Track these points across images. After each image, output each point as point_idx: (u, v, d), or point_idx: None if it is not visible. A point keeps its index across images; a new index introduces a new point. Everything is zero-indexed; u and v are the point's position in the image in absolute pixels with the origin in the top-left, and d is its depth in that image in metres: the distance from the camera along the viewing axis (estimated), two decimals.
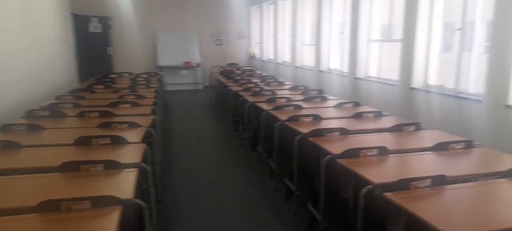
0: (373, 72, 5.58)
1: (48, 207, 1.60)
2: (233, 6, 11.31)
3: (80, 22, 9.26)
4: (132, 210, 1.84)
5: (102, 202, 1.66)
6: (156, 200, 3.33)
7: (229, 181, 3.93)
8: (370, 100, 5.15)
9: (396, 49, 4.81)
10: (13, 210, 1.61)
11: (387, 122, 3.34)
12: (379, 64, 5.50)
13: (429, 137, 2.88)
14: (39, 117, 3.47)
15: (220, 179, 4.01)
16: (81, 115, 3.56)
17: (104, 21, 9.85)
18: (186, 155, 4.86)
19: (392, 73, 5.03)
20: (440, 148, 2.54)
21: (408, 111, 4.44)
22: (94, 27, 9.73)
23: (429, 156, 2.47)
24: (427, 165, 2.34)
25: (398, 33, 4.77)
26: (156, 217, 2.94)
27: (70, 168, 2.09)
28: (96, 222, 1.56)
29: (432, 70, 4.41)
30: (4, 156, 2.35)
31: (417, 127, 3.10)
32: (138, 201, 1.81)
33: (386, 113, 3.68)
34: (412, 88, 4.41)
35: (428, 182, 1.93)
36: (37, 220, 1.55)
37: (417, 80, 4.41)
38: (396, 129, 3.05)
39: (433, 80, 4.41)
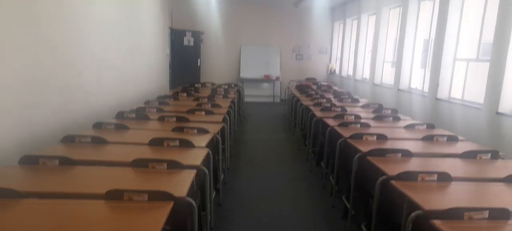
0: (456, 94, 5.14)
1: (113, 195, 1.86)
2: (316, 22, 11.38)
3: (176, 36, 10.22)
4: (185, 207, 2.03)
5: (157, 196, 1.88)
6: (217, 203, 3.56)
7: (290, 193, 3.99)
8: (452, 124, 4.77)
9: (484, 69, 4.39)
10: (86, 195, 1.92)
11: (461, 147, 3.09)
12: (464, 85, 5.06)
13: (506, 167, 2.60)
14: (127, 118, 3.94)
15: (281, 190, 4.08)
16: (161, 119, 3.94)
17: (196, 35, 10.70)
18: (253, 163, 5.04)
19: (478, 95, 4.58)
20: None
21: (493, 138, 4.01)
22: (188, 40, 10.61)
23: (499, 187, 2.25)
24: (494, 196, 2.13)
25: (488, 52, 4.36)
26: (213, 218, 3.14)
27: (140, 164, 2.38)
28: (149, 213, 1.76)
29: None
30: (92, 149, 2.76)
31: (494, 155, 2.82)
32: (189, 199, 1.99)
33: (462, 138, 3.39)
34: (499, 113, 3.98)
35: (485, 214, 1.78)
36: (103, 205, 1.82)
37: (506, 105, 3.96)
38: (469, 155, 2.82)
39: None
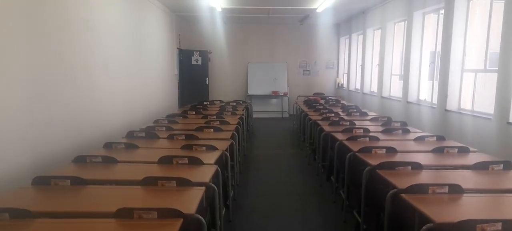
0: (466, 105, 5.10)
1: (123, 214, 1.88)
2: (322, 37, 11.46)
3: (184, 56, 10.39)
4: (195, 224, 2.04)
5: (166, 214, 1.89)
6: (227, 219, 3.55)
7: (300, 209, 3.96)
8: (462, 135, 4.72)
9: (492, 80, 4.37)
10: (97, 214, 1.94)
11: (473, 158, 3.05)
12: (473, 95, 5.02)
13: None
14: (137, 137, 3.98)
15: (292, 205, 4.06)
16: (170, 137, 3.97)
17: (204, 54, 10.85)
18: (263, 179, 5.02)
19: (488, 106, 4.54)
20: None
21: (504, 148, 3.95)
22: (196, 60, 10.76)
23: None
24: (507, 208, 2.10)
25: (495, 62, 4.34)
26: None
27: (150, 182, 2.41)
28: (158, 230, 1.78)
29: None
30: (102, 169, 2.79)
31: (507, 165, 2.77)
32: (198, 216, 1.99)
33: (474, 149, 3.35)
34: (510, 123, 3.93)
35: (499, 226, 1.75)
36: (113, 224, 1.83)
37: None
38: (480, 167, 2.78)
39: None
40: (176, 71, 9.30)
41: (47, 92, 3.34)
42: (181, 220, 1.86)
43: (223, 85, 11.37)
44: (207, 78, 10.98)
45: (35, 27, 3.17)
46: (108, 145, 3.50)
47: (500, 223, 1.75)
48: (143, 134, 4.07)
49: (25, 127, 3.01)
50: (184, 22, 10.41)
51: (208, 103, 7.96)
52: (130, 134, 4.04)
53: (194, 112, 6.22)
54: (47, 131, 3.32)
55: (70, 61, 3.78)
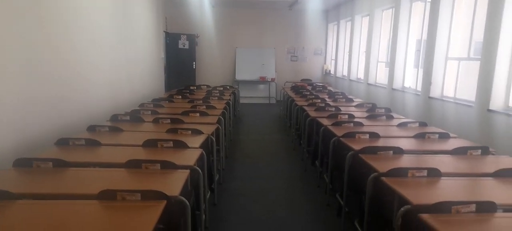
0: (449, 92, 5.20)
1: (106, 195, 1.88)
2: (311, 23, 11.44)
3: (171, 39, 10.25)
4: (179, 206, 2.05)
5: (150, 196, 1.90)
6: (212, 203, 3.58)
7: (285, 192, 4.02)
8: (444, 122, 4.83)
9: (475, 68, 4.46)
10: (80, 196, 1.93)
11: (453, 144, 3.13)
12: (456, 83, 5.12)
13: (496, 163, 2.64)
14: (121, 120, 3.96)
15: (276, 189, 4.11)
16: (156, 121, 3.95)
17: (192, 38, 10.73)
18: (248, 164, 5.06)
19: (470, 93, 4.65)
20: (504, 174, 2.33)
21: (484, 135, 4.07)
22: (183, 44, 10.64)
23: (488, 182, 2.29)
24: (482, 191, 2.18)
25: (479, 51, 4.42)
26: (208, 218, 3.16)
27: (133, 165, 2.40)
28: (142, 212, 1.78)
29: None
30: (85, 152, 2.77)
31: (484, 151, 2.86)
32: (182, 198, 2.01)
33: (454, 135, 3.44)
34: (490, 111, 4.03)
35: (472, 208, 1.81)
36: (96, 206, 1.83)
37: (496, 102, 4.02)
38: (459, 152, 2.86)
39: None
40: (163, 55, 9.19)
41: (30, 75, 3.27)
42: (165, 202, 1.87)
43: (210, 70, 11.31)
44: (194, 63, 10.88)
45: (17, 10, 3.08)
46: (91, 128, 3.46)
47: (474, 205, 1.81)
48: (128, 117, 4.04)
49: (6, 109, 2.96)
50: (171, 5, 10.25)
51: (195, 87, 7.91)
52: (115, 117, 4.01)
53: (180, 97, 6.19)
54: (29, 113, 3.27)
55: (52, 44, 3.70)
